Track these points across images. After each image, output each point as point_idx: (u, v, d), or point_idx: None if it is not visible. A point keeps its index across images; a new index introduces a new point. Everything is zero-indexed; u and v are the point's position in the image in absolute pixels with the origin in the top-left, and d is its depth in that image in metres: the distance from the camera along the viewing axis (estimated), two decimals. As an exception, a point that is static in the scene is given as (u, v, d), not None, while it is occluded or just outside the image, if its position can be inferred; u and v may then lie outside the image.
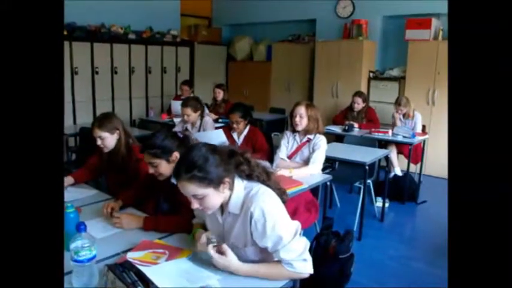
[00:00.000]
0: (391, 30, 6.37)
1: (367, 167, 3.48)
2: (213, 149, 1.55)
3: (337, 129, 5.01)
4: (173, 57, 7.40)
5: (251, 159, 1.65)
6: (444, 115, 5.59)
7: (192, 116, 4.10)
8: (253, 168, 1.63)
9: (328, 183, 3.14)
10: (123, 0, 6.60)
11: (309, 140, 3.21)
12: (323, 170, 3.21)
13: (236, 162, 1.60)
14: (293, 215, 2.87)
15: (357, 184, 4.36)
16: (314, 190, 3.06)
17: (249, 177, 1.63)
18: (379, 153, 3.94)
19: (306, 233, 2.94)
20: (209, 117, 4.50)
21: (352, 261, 2.92)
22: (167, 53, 7.27)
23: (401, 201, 4.63)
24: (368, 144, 4.29)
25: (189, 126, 4.21)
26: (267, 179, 1.66)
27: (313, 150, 3.13)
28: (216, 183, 1.50)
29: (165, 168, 2.11)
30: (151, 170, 2.12)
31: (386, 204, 4.38)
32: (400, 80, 5.97)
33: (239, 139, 3.76)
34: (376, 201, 4.39)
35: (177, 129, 4.04)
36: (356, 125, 5.03)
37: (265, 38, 7.87)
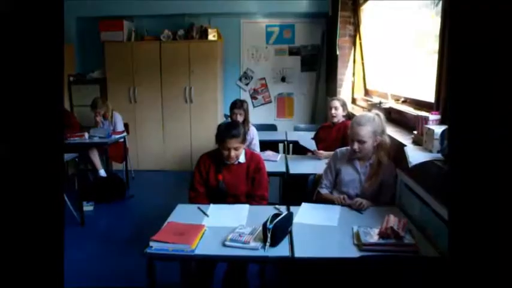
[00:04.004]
0: (87, 32, 6.30)
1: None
2: None
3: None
4: None
5: None
6: (146, 111, 5.93)
7: None
8: None
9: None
10: None
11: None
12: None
13: None
14: None
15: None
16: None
17: None
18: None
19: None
20: None
21: None
22: None
23: (108, 201, 4.69)
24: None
25: None
26: None
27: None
28: None
29: None
30: None
31: (91, 208, 4.39)
32: (102, 81, 6.02)
33: None
34: (81, 206, 4.32)
35: None
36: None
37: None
